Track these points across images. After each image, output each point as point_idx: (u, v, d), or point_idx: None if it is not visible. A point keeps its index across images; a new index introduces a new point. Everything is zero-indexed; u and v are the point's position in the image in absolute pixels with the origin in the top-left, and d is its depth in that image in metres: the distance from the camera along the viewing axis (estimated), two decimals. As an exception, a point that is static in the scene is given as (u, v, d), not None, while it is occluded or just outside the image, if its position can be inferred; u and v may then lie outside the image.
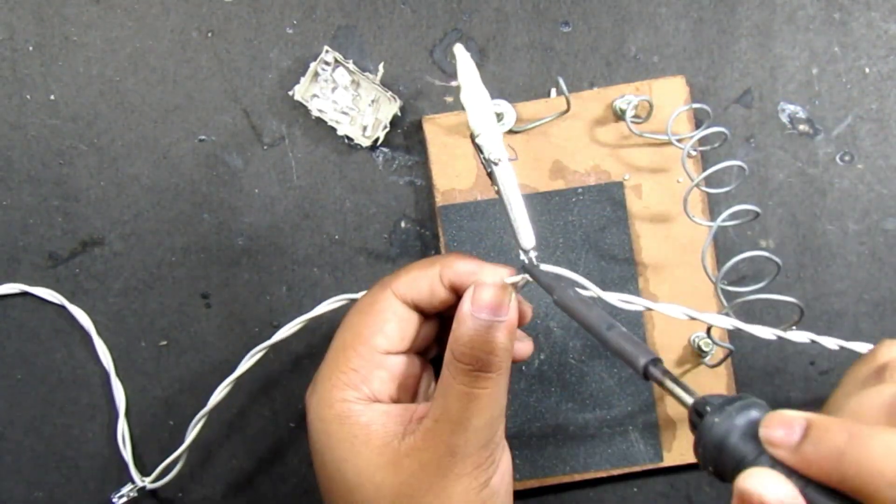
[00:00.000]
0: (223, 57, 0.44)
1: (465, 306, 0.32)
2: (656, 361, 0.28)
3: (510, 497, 0.34)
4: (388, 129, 0.43)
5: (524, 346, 0.36)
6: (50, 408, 0.44)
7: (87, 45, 0.44)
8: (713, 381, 0.43)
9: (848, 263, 0.44)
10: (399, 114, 0.43)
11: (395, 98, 0.43)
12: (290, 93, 0.43)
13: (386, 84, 0.43)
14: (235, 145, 0.44)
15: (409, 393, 0.35)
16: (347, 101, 0.43)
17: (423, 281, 0.34)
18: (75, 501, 0.44)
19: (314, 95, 0.43)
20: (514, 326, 0.32)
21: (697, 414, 0.27)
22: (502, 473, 0.33)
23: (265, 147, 0.44)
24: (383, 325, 0.34)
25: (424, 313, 0.35)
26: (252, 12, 0.44)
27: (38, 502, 0.44)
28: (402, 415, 0.33)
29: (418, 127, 0.43)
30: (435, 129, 0.43)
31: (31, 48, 0.44)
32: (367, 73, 0.43)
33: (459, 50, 0.34)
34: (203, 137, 0.44)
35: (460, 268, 0.33)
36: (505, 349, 0.32)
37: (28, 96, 0.44)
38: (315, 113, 0.43)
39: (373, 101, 0.43)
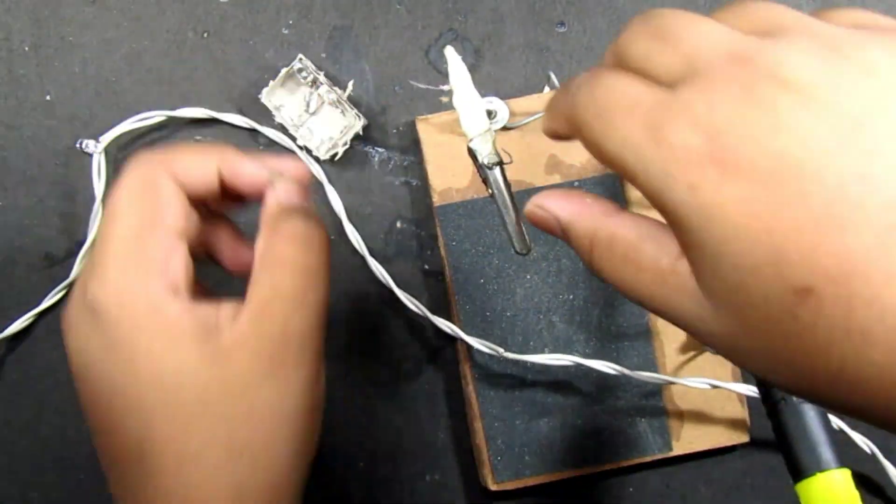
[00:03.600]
0: (219, 58, 0.44)
1: (278, 197, 0.31)
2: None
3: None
4: (347, 146, 0.43)
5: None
6: (45, 409, 0.44)
7: (83, 46, 0.44)
8: (718, 368, 0.43)
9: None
10: (361, 133, 0.43)
11: (359, 116, 0.42)
12: (259, 96, 0.42)
13: (354, 99, 0.43)
14: (232, 146, 0.44)
15: (195, 291, 0.31)
16: (312, 112, 0.43)
17: (200, 170, 0.31)
18: (70, 502, 0.44)
19: (281, 105, 0.43)
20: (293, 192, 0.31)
21: None
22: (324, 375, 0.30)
23: (261, 148, 0.44)
24: (171, 208, 0.30)
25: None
26: (248, 13, 0.44)
27: (33, 503, 0.44)
28: (207, 311, 0.29)
29: (413, 127, 0.43)
30: (429, 128, 0.43)
31: (26, 48, 0.44)
32: (335, 88, 0.43)
33: (450, 53, 0.34)
34: (199, 138, 0.44)
35: (243, 170, 0.31)
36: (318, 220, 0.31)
37: (24, 97, 0.44)
38: (278, 119, 0.43)
39: (338, 115, 0.43)
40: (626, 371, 0.41)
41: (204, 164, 0.31)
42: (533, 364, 0.42)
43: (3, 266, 0.44)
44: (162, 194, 0.30)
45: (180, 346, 0.28)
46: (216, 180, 0.31)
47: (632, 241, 0.23)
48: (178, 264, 0.29)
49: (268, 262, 0.29)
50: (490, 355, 0.42)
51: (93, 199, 0.43)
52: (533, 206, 0.26)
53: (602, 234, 0.24)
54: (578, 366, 0.42)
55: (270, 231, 0.30)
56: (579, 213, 0.25)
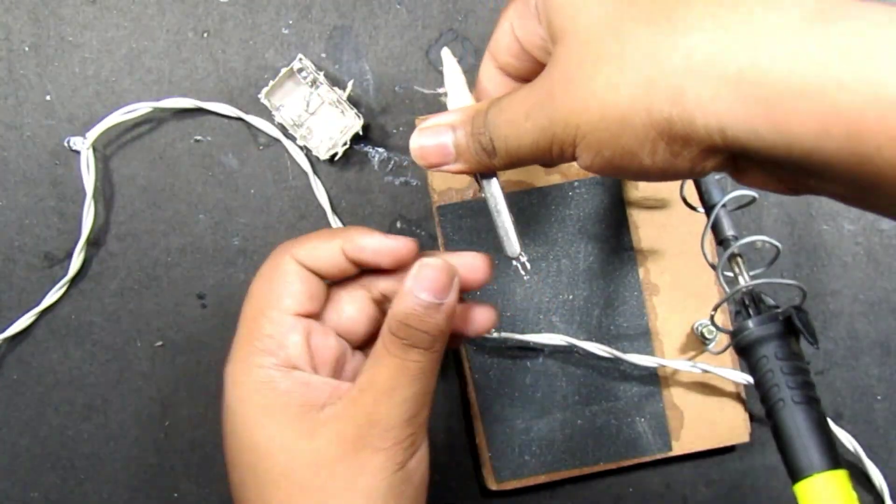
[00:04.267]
0: (219, 57, 0.44)
1: (408, 283, 0.32)
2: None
3: (424, 490, 0.34)
4: (347, 146, 0.43)
5: (485, 316, 0.35)
6: (46, 409, 0.44)
7: (82, 46, 0.44)
8: (717, 368, 0.43)
9: (843, 263, 0.44)
10: (361, 133, 0.43)
11: (359, 116, 0.42)
12: (259, 95, 0.42)
13: (354, 99, 0.43)
14: (231, 145, 0.44)
15: (328, 368, 0.34)
16: (311, 112, 0.43)
17: (324, 251, 0.34)
18: (71, 502, 0.44)
19: (281, 105, 0.43)
20: (453, 309, 0.32)
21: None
22: (419, 460, 0.33)
23: (260, 147, 0.44)
24: (289, 287, 0.33)
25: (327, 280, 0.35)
26: (248, 13, 0.44)
27: (33, 503, 0.44)
28: (322, 387, 0.33)
29: (413, 127, 0.43)
30: None
31: (26, 48, 0.44)
32: (335, 88, 0.42)
33: (446, 55, 0.34)
34: (199, 138, 0.44)
35: (364, 243, 0.34)
36: (441, 331, 0.32)
37: (24, 96, 0.44)
38: (278, 119, 0.43)
39: (337, 115, 0.43)
40: (619, 353, 0.41)
41: (325, 248, 0.34)
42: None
43: (3, 266, 0.44)
44: (283, 279, 0.33)
45: (279, 418, 0.32)
46: (338, 261, 0.34)
47: (507, 101, 0.30)
48: (296, 341, 0.33)
49: (375, 353, 0.32)
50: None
51: (92, 198, 0.43)
52: (421, 148, 0.32)
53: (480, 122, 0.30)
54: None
55: (387, 328, 0.32)
56: (462, 125, 0.31)
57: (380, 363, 0.32)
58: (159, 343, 0.44)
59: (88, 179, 0.43)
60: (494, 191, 0.33)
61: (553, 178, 0.43)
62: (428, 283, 0.32)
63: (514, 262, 0.34)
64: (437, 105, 0.44)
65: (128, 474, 0.44)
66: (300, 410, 0.32)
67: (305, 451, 0.31)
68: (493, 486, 0.43)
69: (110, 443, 0.44)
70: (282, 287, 0.33)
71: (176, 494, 0.44)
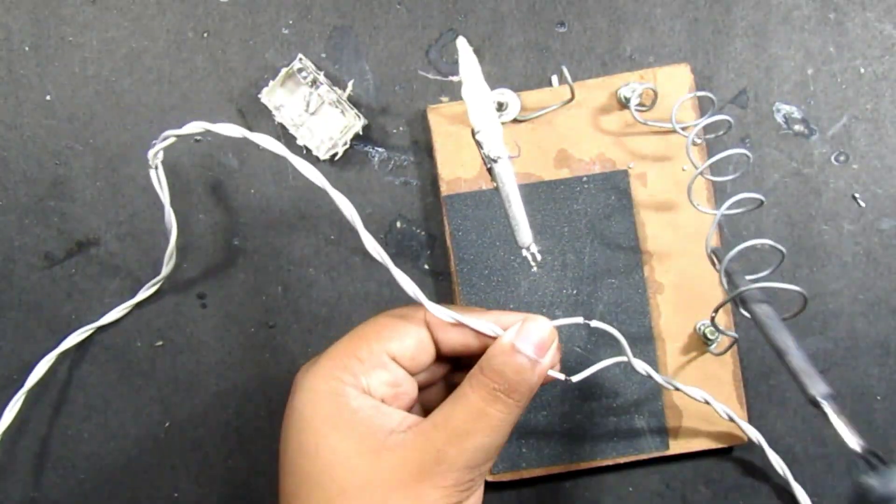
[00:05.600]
0: (219, 57, 0.44)
1: (509, 336, 0.33)
2: (830, 397, 0.30)
3: None
4: (347, 146, 0.43)
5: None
6: (45, 408, 0.44)
7: (82, 46, 0.44)
8: (718, 370, 0.43)
9: (843, 263, 0.44)
10: (361, 133, 0.43)
11: (359, 116, 0.42)
12: (259, 95, 0.42)
13: (354, 99, 0.43)
14: (231, 146, 0.44)
15: (400, 408, 0.35)
16: (312, 112, 0.43)
17: (462, 337, 0.34)
18: (71, 502, 0.44)
19: (281, 105, 0.43)
20: (545, 371, 0.33)
21: (867, 463, 0.28)
22: (473, 503, 0.33)
23: (260, 147, 0.44)
24: (404, 337, 0.34)
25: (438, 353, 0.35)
26: (248, 13, 0.44)
27: (33, 503, 0.44)
28: (392, 415, 0.33)
29: (413, 127, 0.43)
30: (439, 118, 0.43)
31: (27, 48, 0.44)
32: (335, 88, 0.42)
33: (462, 44, 0.34)
34: (199, 138, 0.44)
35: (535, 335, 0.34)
36: (531, 388, 0.33)
37: (24, 97, 0.44)
38: (278, 119, 0.43)
39: (337, 115, 0.43)
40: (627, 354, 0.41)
41: (467, 335, 0.34)
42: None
43: (3, 266, 0.44)
44: (403, 331, 0.34)
45: (346, 433, 0.32)
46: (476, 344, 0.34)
47: None
48: (383, 379, 0.33)
49: (459, 394, 0.33)
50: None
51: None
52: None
53: None
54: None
55: (478, 367, 0.33)
56: None
57: (461, 404, 0.32)
58: (159, 343, 0.44)
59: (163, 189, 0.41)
60: (507, 180, 0.33)
61: (562, 171, 0.43)
62: (533, 339, 0.33)
63: (525, 252, 0.34)
64: (448, 90, 0.44)
65: (128, 474, 0.44)
66: (367, 430, 0.32)
67: (365, 470, 0.31)
68: (489, 478, 0.43)
69: (110, 443, 0.44)
70: (397, 331, 0.34)
71: (176, 494, 0.44)
